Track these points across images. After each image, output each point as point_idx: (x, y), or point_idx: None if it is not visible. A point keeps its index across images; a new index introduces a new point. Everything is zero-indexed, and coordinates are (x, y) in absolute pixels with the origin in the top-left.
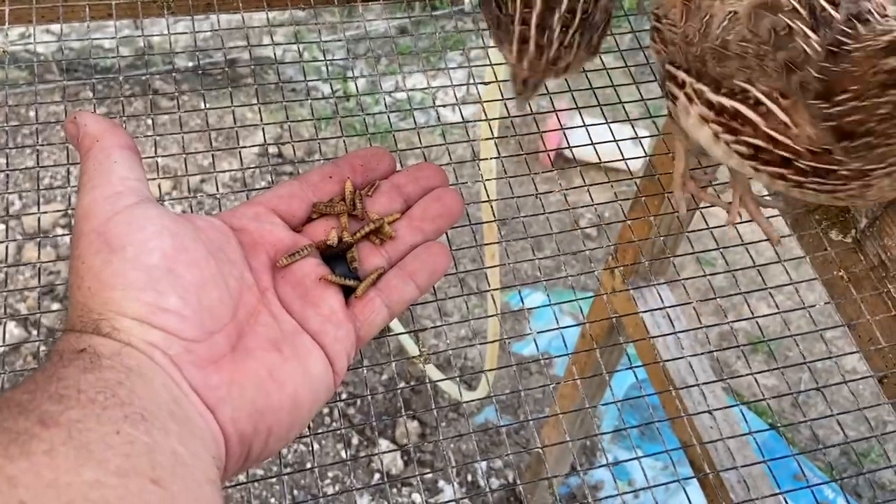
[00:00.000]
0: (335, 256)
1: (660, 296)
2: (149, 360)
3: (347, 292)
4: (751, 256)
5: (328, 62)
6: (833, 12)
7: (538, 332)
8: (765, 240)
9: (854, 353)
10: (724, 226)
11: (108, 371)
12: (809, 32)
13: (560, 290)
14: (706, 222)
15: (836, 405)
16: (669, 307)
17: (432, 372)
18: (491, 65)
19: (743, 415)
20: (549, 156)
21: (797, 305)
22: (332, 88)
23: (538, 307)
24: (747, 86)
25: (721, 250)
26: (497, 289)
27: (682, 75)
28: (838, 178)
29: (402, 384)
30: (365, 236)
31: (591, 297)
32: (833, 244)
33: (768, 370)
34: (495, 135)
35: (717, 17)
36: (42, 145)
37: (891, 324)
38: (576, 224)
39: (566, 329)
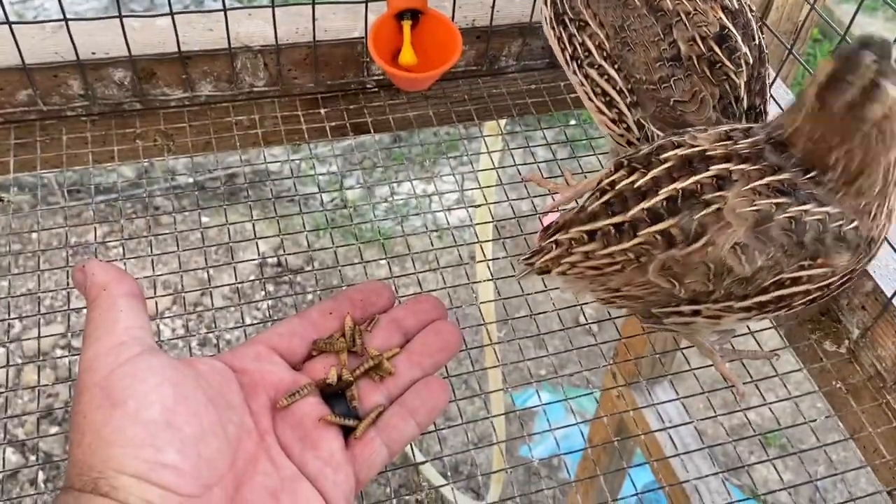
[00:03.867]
0: (335, 394)
1: (666, 400)
2: None
3: (347, 431)
4: (757, 342)
5: (324, 170)
6: (788, 176)
7: (542, 435)
8: (769, 327)
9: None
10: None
11: None
12: (807, 207)
13: (567, 387)
14: None
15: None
16: (673, 405)
17: (437, 479)
18: (489, 168)
19: None
20: None
21: (805, 399)
22: (321, 201)
23: (538, 406)
24: (779, 277)
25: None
26: (499, 389)
27: (688, 308)
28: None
29: (408, 495)
30: (364, 373)
31: (590, 392)
32: (828, 355)
33: (766, 460)
34: (490, 236)
35: (731, 261)
36: (43, 270)
37: (894, 435)
38: (576, 321)
39: (574, 430)
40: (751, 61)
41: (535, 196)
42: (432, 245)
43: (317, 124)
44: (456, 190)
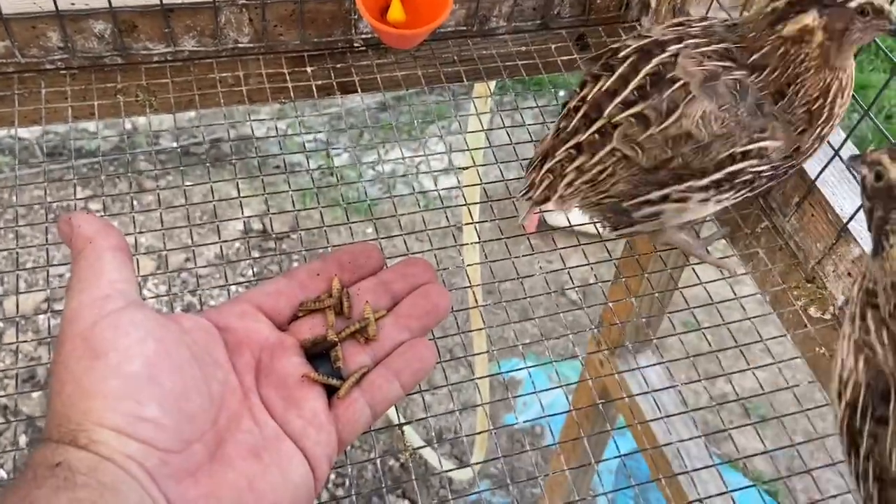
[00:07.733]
0: (320, 354)
1: (647, 365)
2: (125, 475)
3: (331, 391)
4: (742, 307)
5: (311, 137)
6: (734, 48)
7: (527, 403)
8: (755, 293)
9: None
10: (717, 279)
11: (83, 490)
12: (750, 77)
13: (550, 356)
14: (698, 277)
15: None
16: (654, 368)
17: (421, 444)
18: (478, 130)
19: (760, 495)
20: (540, 219)
21: (785, 366)
22: (308, 166)
23: (523, 368)
24: (732, 150)
25: (710, 309)
26: (485, 352)
27: (657, 195)
28: None
29: (392, 461)
30: (351, 334)
31: (575, 357)
32: (813, 321)
33: (747, 424)
34: (478, 199)
35: (691, 128)
36: (23, 226)
37: None
38: (562, 290)
39: (557, 398)
40: None
41: (525, 160)
42: (419, 208)
43: (303, 83)
44: (444, 152)
